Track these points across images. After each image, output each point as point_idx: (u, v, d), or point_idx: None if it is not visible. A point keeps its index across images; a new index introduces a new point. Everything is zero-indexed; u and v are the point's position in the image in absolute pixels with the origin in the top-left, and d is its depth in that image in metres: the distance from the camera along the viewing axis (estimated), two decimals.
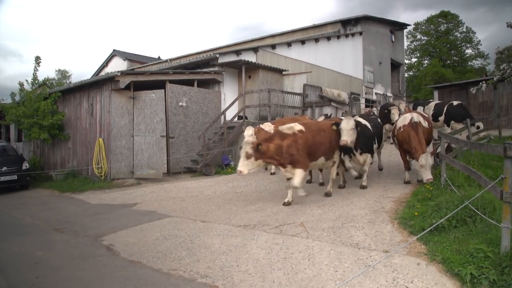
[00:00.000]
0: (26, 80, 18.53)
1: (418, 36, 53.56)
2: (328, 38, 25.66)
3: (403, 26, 35.59)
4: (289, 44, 22.68)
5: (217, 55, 18.73)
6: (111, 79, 15.25)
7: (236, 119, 17.39)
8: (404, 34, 39.19)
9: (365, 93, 27.87)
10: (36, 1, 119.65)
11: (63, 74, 43.77)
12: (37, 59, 18.47)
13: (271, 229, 6.84)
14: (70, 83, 31.87)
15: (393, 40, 33.74)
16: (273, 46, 21.65)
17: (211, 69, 18.29)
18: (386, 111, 13.59)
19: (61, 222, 8.05)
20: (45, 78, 20.37)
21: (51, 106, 17.30)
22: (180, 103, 16.26)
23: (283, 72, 20.53)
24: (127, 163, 15.21)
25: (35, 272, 5.49)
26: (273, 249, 5.75)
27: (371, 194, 8.87)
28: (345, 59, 26.50)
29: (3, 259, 6.09)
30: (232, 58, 18.78)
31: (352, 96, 22.57)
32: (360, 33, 28.27)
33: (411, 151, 8.98)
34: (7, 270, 5.63)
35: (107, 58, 30.66)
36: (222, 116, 17.24)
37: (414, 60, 54.92)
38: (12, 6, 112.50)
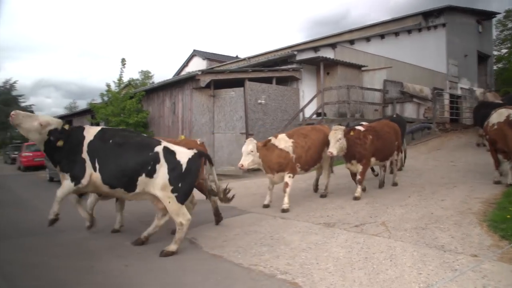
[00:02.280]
0: (113, 81, 19.60)
1: (510, 25, 49.37)
2: (409, 31, 24.52)
3: (491, 15, 33.07)
4: (367, 39, 22.00)
5: (295, 52, 18.61)
6: (192, 78, 15.69)
7: (314, 116, 17.16)
8: (493, 24, 36.38)
9: (449, 88, 26.31)
10: (120, 7, 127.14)
11: (146, 74, 46.03)
12: (123, 61, 19.45)
13: (352, 227, 6.65)
14: (152, 83, 33.42)
15: (480, 30, 31.51)
16: (351, 42, 21.11)
17: (289, 66, 18.19)
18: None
19: (146, 215, 8.29)
20: (130, 78, 21.55)
21: (136, 105, 18.18)
22: (259, 101, 16.33)
23: (362, 68, 19.94)
24: None
25: (124, 260, 5.67)
26: (353, 248, 5.59)
27: (457, 194, 8.37)
28: (427, 53, 25.16)
29: (98, 248, 6.34)
30: (310, 55, 18.54)
31: (435, 91, 21.36)
32: (444, 25, 26.71)
33: (506, 151, 8.34)
34: (100, 258, 5.86)
35: (188, 58, 31.64)
36: (301, 113, 17.10)
37: (504, 51, 50.75)
38: (99, 14, 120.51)
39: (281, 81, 18.00)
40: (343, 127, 8.72)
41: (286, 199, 8.25)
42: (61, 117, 33.22)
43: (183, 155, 5.95)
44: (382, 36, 22.85)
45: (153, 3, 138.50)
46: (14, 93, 65.17)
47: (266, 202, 8.71)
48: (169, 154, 5.88)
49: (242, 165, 7.84)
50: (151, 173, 5.73)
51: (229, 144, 15.44)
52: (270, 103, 16.85)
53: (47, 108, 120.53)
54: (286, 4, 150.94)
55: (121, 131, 6.57)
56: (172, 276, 5.04)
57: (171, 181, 5.74)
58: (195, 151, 6.14)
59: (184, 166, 5.85)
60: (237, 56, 32.88)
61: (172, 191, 5.75)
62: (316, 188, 10.00)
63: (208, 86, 15.64)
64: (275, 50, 25.35)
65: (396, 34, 23.68)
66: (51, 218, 5.76)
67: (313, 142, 8.74)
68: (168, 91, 17.57)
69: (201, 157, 6.25)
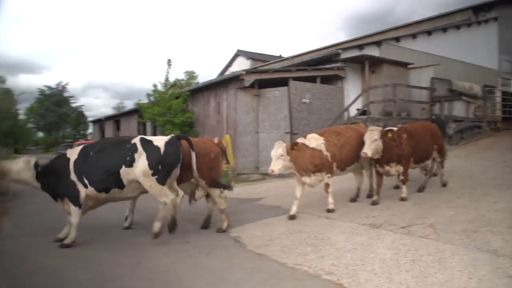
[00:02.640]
0: (160, 82, 20.10)
1: None
2: (458, 27, 23.69)
3: None
4: (414, 36, 21.45)
5: (339, 51, 18.44)
6: (236, 78, 15.87)
7: (360, 115, 16.95)
8: None
9: (501, 85, 25.22)
10: (166, 9, 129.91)
11: (191, 75, 46.78)
12: (169, 62, 19.94)
13: (398, 229, 6.52)
14: (197, 83, 33.95)
15: None
16: (397, 39, 20.65)
17: (334, 65, 18.04)
18: None
19: (192, 213, 8.44)
20: (175, 79, 22.05)
21: (181, 105, 18.59)
22: (303, 100, 16.29)
23: (408, 66, 19.46)
24: (252, 159, 15.69)
25: (170, 257, 5.83)
26: (400, 250, 5.48)
27: (511, 196, 8.03)
28: (477, 49, 24.18)
29: (146, 245, 6.52)
30: (354, 53, 18.31)
31: (486, 89, 20.55)
32: (495, 19, 25.61)
33: None
34: (147, 255, 6.04)
35: (232, 58, 32.01)
36: (346, 112, 16.94)
37: None
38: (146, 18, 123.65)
39: (325, 80, 17.88)
40: (379, 128, 8.44)
41: (330, 199, 8.08)
42: (110, 117, 34.53)
43: (160, 141, 6.51)
44: (429, 33, 22.20)
45: (197, 3, 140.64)
46: (65, 94, 67.86)
47: (292, 213, 7.84)
48: (146, 143, 6.44)
49: (272, 171, 7.37)
50: (130, 163, 6.26)
51: (274, 143, 15.46)
52: (314, 102, 16.77)
53: (96, 109, 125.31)
54: (329, 2, 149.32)
55: (101, 140, 7.18)
56: (217, 274, 5.12)
57: (150, 165, 6.21)
58: (171, 135, 6.78)
59: (162, 150, 6.37)
60: (280, 56, 32.89)
61: (153, 175, 6.22)
62: (356, 197, 9.12)
63: (252, 85, 15.77)
64: (319, 49, 25.17)
65: (444, 30, 22.94)
66: (67, 243, 6.44)
67: (347, 140, 8.32)
68: (213, 91, 17.85)
69: (179, 140, 6.73)
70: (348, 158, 8.31)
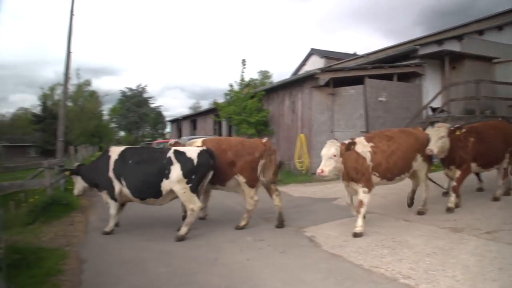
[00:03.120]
0: (235, 81, 20.66)
1: None
2: None
3: None
4: (499, 28, 20.21)
5: (417, 47, 17.83)
6: (311, 77, 15.95)
7: (439, 113, 16.35)
8: None
9: None
10: (239, 10, 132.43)
11: (265, 74, 47.48)
12: (243, 62, 20.42)
13: (482, 234, 6.24)
14: (271, 82, 34.37)
15: None
16: (480, 32, 19.61)
17: (411, 61, 17.50)
18: None
19: (267, 211, 8.55)
20: (250, 78, 22.58)
21: (257, 104, 18.99)
22: (380, 98, 16.04)
23: (494, 60, 18.40)
24: None
25: (245, 255, 5.97)
26: (485, 257, 5.24)
27: None
28: None
29: (222, 241, 6.78)
30: (433, 48, 17.62)
31: None
32: None
33: None
34: (223, 251, 6.25)
35: (305, 56, 32.01)
36: (424, 111, 16.41)
37: None
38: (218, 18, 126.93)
39: (402, 77, 17.40)
40: (447, 125, 7.79)
41: (359, 221, 6.80)
42: (187, 117, 35.98)
43: (192, 152, 7.14)
44: None
45: (271, 3, 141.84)
46: (145, 95, 71.33)
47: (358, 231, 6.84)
48: (179, 155, 7.09)
49: (322, 171, 6.49)
50: (168, 175, 6.97)
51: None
52: (391, 100, 16.43)
53: (173, 109, 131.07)
54: None
55: (140, 150, 8.15)
56: (291, 273, 5.15)
57: (184, 175, 6.89)
58: (203, 148, 7.38)
59: (195, 161, 7.01)
60: (355, 53, 32.39)
61: (187, 183, 6.89)
62: (411, 202, 8.38)
63: (327, 84, 15.76)
64: (395, 46, 24.48)
65: None
66: (106, 231, 7.38)
67: (399, 146, 7.30)
68: (287, 90, 18.06)
69: (208, 153, 7.26)
70: (397, 167, 7.30)
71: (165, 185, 6.99)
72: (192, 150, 7.25)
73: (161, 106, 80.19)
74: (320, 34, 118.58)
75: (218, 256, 5.94)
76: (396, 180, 7.58)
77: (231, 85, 20.60)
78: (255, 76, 45.94)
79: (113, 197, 7.28)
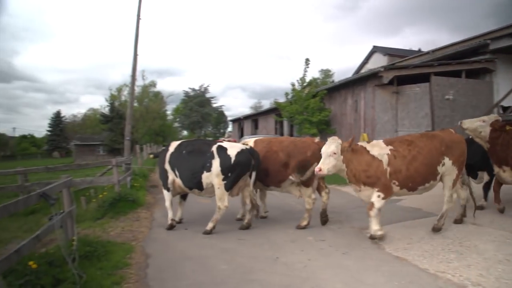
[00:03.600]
0: (297, 81, 20.77)
1: None
2: None
3: None
4: None
5: (488, 41, 17.01)
6: (374, 75, 15.77)
7: (511, 113, 15.55)
8: None
9: None
10: (300, 9, 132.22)
11: (326, 73, 46.99)
12: (307, 61, 20.49)
13: None
14: (332, 81, 34.10)
15: None
16: None
17: (481, 57, 16.75)
18: None
19: (328, 211, 8.53)
20: (311, 78, 22.55)
21: (319, 103, 19.02)
22: (446, 96, 15.53)
23: None
24: None
25: (306, 254, 5.88)
26: None
27: None
28: None
29: (283, 241, 6.71)
30: (506, 42, 16.68)
31: None
32: None
33: None
34: (284, 250, 6.20)
35: (367, 54, 31.37)
36: (494, 110, 15.67)
37: None
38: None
39: (471, 74, 16.73)
40: (498, 117, 7.28)
41: (373, 226, 6.36)
42: (248, 116, 36.57)
43: (233, 150, 7.22)
44: None
45: (332, 1, 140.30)
46: (207, 95, 72.96)
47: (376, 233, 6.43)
48: (221, 150, 7.23)
49: (320, 170, 6.11)
50: (209, 168, 7.17)
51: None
52: (458, 98, 15.85)
53: (235, 108, 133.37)
54: None
55: (191, 141, 8.33)
56: (353, 274, 5.01)
57: (222, 171, 7.04)
58: (245, 147, 7.42)
59: (233, 159, 7.08)
60: (419, 50, 31.14)
61: (223, 180, 7.06)
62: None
63: (391, 82, 15.52)
64: (463, 41, 23.33)
65: None
66: (168, 226, 7.64)
67: (421, 151, 6.55)
68: (350, 89, 17.96)
69: (250, 153, 7.27)
70: (420, 175, 6.53)
71: (205, 177, 7.23)
72: (234, 148, 7.35)
73: (223, 105, 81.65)
74: (382, 31, 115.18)
75: (279, 255, 5.89)
76: (419, 190, 6.72)
77: (293, 85, 20.76)
78: (317, 75, 45.64)
79: (166, 187, 7.71)
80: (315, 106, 18.85)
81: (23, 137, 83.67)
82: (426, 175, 6.54)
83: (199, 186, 7.35)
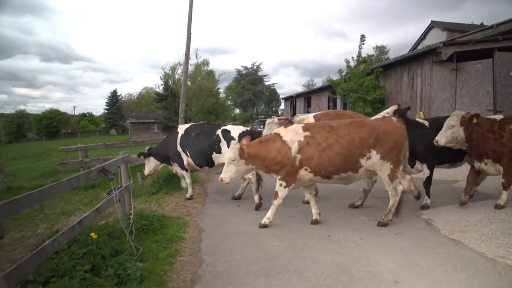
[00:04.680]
0: (352, 57, 20.36)
1: None
2: None
3: None
4: None
5: None
6: (432, 51, 15.19)
7: None
8: None
9: None
10: None
11: (381, 50, 45.45)
12: (362, 38, 20.03)
13: None
14: (387, 58, 33.05)
15: None
16: None
17: None
18: None
19: (381, 191, 8.38)
20: (366, 55, 22.01)
21: (373, 81, 18.59)
22: (511, 73, 14.67)
23: None
24: None
25: (359, 234, 5.87)
26: None
27: None
28: None
29: (335, 219, 6.73)
30: None
31: None
32: None
33: None
34: (336, 229, 6.20)
35: (425, 30, 29.88)
36: None
37: None
38: None
39: None
40: (461, 113, 6.65)
41: (268, 213, 6.44)
42: (301, 94, 36.34)
43: (236, 131, 8.19)
44: None
45: None
46: (259, 73, 73.01)
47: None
48: (226, 133, 8.18)
49: (221, 179, 6.15)
50: (219, 150, 8.13)
51: None
52: None
53: (287, 86, 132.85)
54: None
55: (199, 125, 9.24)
56: (406, 255, 4.93)
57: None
58: (246, 128, 8.36)
59: (236, 139, 7.83)
60: (482, 24, 29.26)
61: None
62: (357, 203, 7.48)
63: (449, 59, 14.89)
64: None
65: None
66: (188, 195, 8.58)
67: (339, 139, 6.14)
68: (405, 66, 17.40)
69: (250, 133, 7.75)
70: (332, 164, 6.17)
71: (216, 157, 8.19)
72: (236, 130, 8.26)
73: (275, 83, 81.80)
74: (441, 4, 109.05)
75: (331, 233, 5.92)
76: (335, 179, 6.40)
77: (347, 61, 20.38)
78: (372, 52, 44.23)
79: (183, 168, 8.53)
80: (370, 83, 18.46)
81: (83, 115, 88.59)
82: (342, 165, 6.20)
83: (208, 163, 8.33)
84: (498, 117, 6.81)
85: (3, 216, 3.00)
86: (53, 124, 73.67)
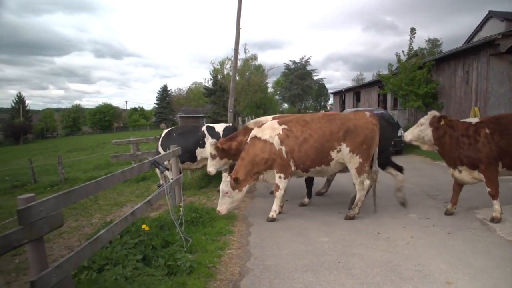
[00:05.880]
0: (402, 51, 19.77)
1: None
2: None
3: None
4: None
5: None
6: (489, 44, 14.47)
7: None
8: None
9: None
10: None
11: (434, 43, 43.80)
12: (412, 31, 19.36)
13: None
14: (440, 51, 31.84)
15: None
16: None
17: None
18: None
19: (433, 189, 8.13)
20: (418, 48, 21.25)
21: (425, 75, 17.99)
22: None
23: None
24: None
25: (409, 232, 5.79)
26: None
27: None
28: None
29: (384, 217, 6.67)
30: None
31: None
32: None
33: None
34: (385, 226, 6.16)
35: (482, 21, 28.39)
36: None
37: None
38: None
39: None
40: (436, 113, 6.48)
41: (273, 205, 6.80)
42: (350, 89, 35.77)
43: (220, 127, 9.34)
44: None
45: None
46: (308, 68, 72.51)
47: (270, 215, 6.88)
48: (210, 129, 9.24)
49: (219, 212, 6.66)
50: (203, 145, 9.07)
51: None
52: None
53: (336, 80, 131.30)
54: None
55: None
56: (459, 255, 4.84)
57: None
58: (228, 124, 9.72)
59: (221, 134, 9.08)
60: None
61: None
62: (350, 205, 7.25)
63: (509, 51, 14.12)
64: None
65: None
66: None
67: (313, 133, 6.50)
68: (460, 59, 16.72)
69: (233, 128, 9.35)
70: (309, 158, 6.54)
71: (199, 152, 9.16)
72: (219, 126, 9.42)
73: (323, 78, 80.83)
74: None
75: (380, 230, 5.93)
76: (311, 172, 6.80)
77: (398, 55, 19.82)
78: (424, 45, 42.66)
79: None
80: (421, 77, 17.87)
81: (134, 109, 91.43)
82: (316, 158, 6.53)
83: (191, 159, 9.20)
84: (475, 120, 6.52)
85: (62, 205, 3.18)
86: (106, 118, 76.76)
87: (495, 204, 6.20)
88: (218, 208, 6.62)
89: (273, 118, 8.01)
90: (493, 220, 6.16)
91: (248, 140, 6.89)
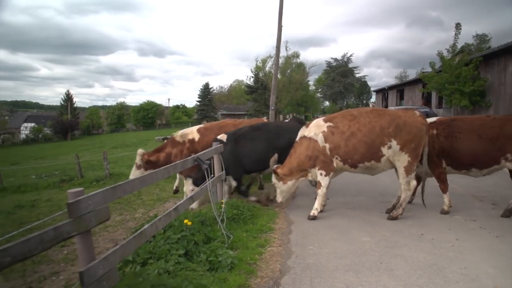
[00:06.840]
0: (446, 49, 19.16)
1: None
2: None
3: None
4: None
5: None
6: None
7: None
8: None
9: None
10: None
11: (482, 38, 42.09)
12: (457, 26, 18.74)
13: None
14: (489, 47, 30.60)
15: None
16: None
17: None
18: None
19: (480, 190, 7.92)
20: (464, 44, 20.46)
21: (472, 72, 17.36)
22: None
23: None
24: None
25: (454, 234, 5.58)
26: None
27: None
28: None
29: (429, 217, 6.46)
30: None
31: None
32: None
33: None
34: (429, 227, 5.94)
35: None
36: None
37: None
38: None
39: None
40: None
41: (316, 204, 6.69)
42: (393, 87, 35.00)
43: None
44: None
45: None
46: (350, 65, 71.60)
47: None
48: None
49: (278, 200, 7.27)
50: None
51: None
52: None
53: (379, 78, 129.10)
54: None
55: None
56: (508, 260, 4.63)
57: None
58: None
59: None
60: None
61: None
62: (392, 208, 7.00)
63: None
64: None
65: None
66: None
67: (361, 128, 6.40)
68: (511, 55, 16.01)
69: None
70: (357, 152, 6.43)
71: None
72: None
73: (366, 76, 79.68)
74: None
75: (424, 231, 5.74)
76: (360, 168, 6.63)
77: (440, 53, 19.19)
78: (471, 40, 41.01)
79: None
80: (467, 74, 17.23)
81: (176, 107, 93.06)
82: (366, 154, 6.42)
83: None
84: (432, 119, 6.81)
85: (109, 199, 3.30)
86: (149, 115, 78.60)
87: (444, 197, 6.68)
88: (277, 196, 7.14)
89: (197, 130, 9.02)
90: (442, 211, 6.62)
91: (297, 139, 6.98)
